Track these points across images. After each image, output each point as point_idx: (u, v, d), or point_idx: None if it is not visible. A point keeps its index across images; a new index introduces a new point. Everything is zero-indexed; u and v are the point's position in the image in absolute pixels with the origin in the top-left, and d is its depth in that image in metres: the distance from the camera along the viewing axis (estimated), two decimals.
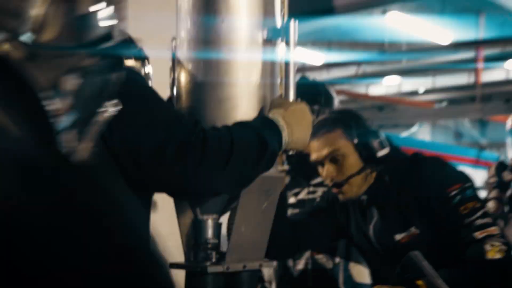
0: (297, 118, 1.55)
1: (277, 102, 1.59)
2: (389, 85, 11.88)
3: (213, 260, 1.64)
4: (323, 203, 2.50)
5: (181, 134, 1.34)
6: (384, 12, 7.94)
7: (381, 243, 2.22)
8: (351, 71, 11.73)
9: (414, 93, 11.04)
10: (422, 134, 11.38)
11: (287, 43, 1.62)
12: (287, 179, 2.81)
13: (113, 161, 1.30)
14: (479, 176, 8.22)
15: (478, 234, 2.03)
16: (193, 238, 1.68)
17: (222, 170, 1.38)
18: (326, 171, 2.22)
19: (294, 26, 1.62)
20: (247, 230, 1.64)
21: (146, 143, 1.30)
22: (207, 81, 1.57)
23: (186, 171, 1.34)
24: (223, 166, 1.38)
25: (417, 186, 2.17)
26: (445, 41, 8.24)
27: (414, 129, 9.40)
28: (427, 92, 10.41)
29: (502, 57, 8.56)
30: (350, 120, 2.27)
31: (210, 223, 1.65)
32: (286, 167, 1.68)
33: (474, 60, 7.58)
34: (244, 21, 1.58)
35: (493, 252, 2.00)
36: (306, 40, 10.09)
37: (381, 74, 11.38)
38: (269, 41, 1.62)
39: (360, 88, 12.31)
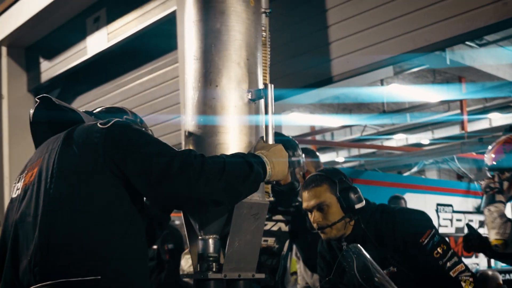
0: (276, 155, 1.97)
1: (260, 145, 2.02)
2: (399, 139, 12.92)
3: (214, 269, 2.07)
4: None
5: (183, 156, 1.74)
6: (382, 83, 8.72)
7: (365, 281, 2.60)
8: (359, 130, 12.93)
9: (419, 144, 12.11)
10: (430, 175, 12.91)
11: (266, 103, 2.08)
12: None
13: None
14: (470, 203, 9.92)
15: (452, 273, 2.50)
16: (199, 254, 2.11)
17: (217, 181, 1.75)
18: (313, 217, 2.70)
19: (271, 89, 2.08)
20: (240, 246, 2.05)
21: (156, 165, 1.70)
22: (206, 131, 2.04)
23: (189, 182, 1.70)
24: (218, 179, 1.75)
25: (394, 236, 2.61)
26: (436, 100, 9.13)
27: (414, 169, 10.43)
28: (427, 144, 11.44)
29: (484, 112, 9.77)
30: (335, 177, 2.74)
31: (211, 241, 2.08)
32: (271, 198, 2.12)
33: (461, 114, 8.45)
34: (234, 87, 2.06)
35: (467, 285, 2.48)
36: (324, 105, 10.98)
37: (392, 132, 12.44)
38: (253, 101, 2.10)
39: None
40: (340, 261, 2.14)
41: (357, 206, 2.65)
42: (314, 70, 5.01)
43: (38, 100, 1.96)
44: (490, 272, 5.80)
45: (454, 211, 9.78)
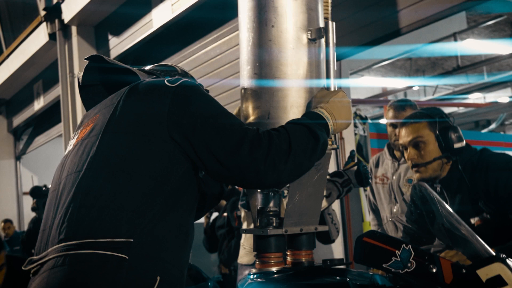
0: (337, 107, 1.82)
1: (320, 94, 1.87)
2: (475, 98, 12.57)
3: (274, 224, 1.96)
4: None
5: (252, 134, 1.61)
6: (455, 39, 8.30)
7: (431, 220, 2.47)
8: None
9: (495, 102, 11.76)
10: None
11: (327, 42, 1.90)
12: None
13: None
14: None
15: None
16: (259, 208, 1.99)
17: (284, 165, 1.63)
18: (408, 154, 2.58)
19: (332, 26, 1.90)
20: (301, 199, 1.92)
21: (227, 141, 1.57)
22: (264, 76, 1.89)
23: (256, 165, 1.58)
24: (285, 162, 1.62)
25: (487, 179, 2.43)
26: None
27: (492, 126, 9.94)
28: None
29: None
30: (435, 115, 2.60)
31: (271, 194, 1.96)
32: (334, 145, 1.96)
33: None
34: (291, 24, 1.89)
35: None
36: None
37: (467, 91, 12.02)
38: (313, 41, 1.92)
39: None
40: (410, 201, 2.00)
41: (456, 145, 2.49)
42: (381, 23, 4.78)
43: (87, 61, 1.85)
44: None
45: None
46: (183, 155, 1.58)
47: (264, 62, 1.89)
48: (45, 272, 1.46)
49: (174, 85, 1.62)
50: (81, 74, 1.90)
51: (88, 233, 1.45)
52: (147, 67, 2.05)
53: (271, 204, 1.96)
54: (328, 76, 1.92)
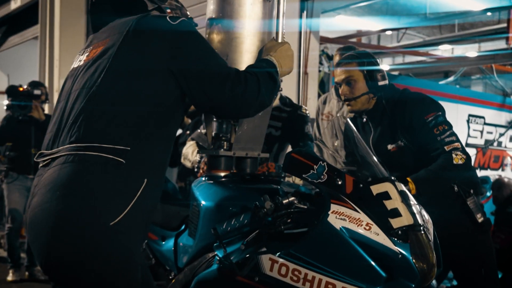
0: (283, 56, 2.24)
1: (270, 44, 2.30)
2: (444, 50, 12.79)
3: (225, 147, 2.43)
4: None
5: (233, 73, 2.00)
6: None
7: (377, 151, 2.84)
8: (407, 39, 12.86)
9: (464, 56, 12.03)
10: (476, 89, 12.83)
11: (278, 2, 2.34)
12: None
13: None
14: (503, 116, 10.00)
15: (447, 148, 2.78)
16: (214, 134, 2.46)
17: (255, 100, 2.05)
18: (342, 90, 3.02)
19: None
20: (248, 129, 2.38)
21: (215, 77, 1.96)
22: (225, 26, 2.32)
23: (236, 99, 1.99)
24: (255, 98, 2.05)
25: (404, 112, 2.90)
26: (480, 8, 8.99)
27: (450, 79, 10.48)
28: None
29: None
30: (365, 58, 3.04)
31: (225, 124, 2.43)
32: (280, 87, 2.40)
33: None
34: None
35: (457, 159, 2.74)
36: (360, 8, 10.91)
37: (438, 42, 12.30)
38: (267, 0, 2.34)
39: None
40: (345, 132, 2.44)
41: (380, 83, 2.95)
42: None
43: None
44: (506, 179, 6.06)
45: (485, 123, 9.87)
46: (176, 85, 1.95)
47: (226, 14, 2.31)
48: (57, 165, 1.85)
49: (175, 23, 1.97)
50: None
51: (95, 138, 1.83)
52: None
53: (223, 130, 2.41)
54: (277, 29, 2.35)
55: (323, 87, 7.11)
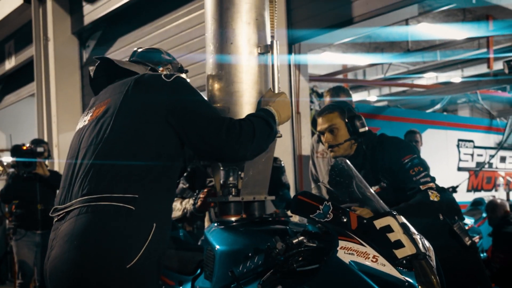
0: (281, 105, 2.43)
1: (268, 95, 2.49)
2: (429, 78, 13.11)
3: (233, 193, 2.60)
4: None
5: (228, 120, 2.20)
6: (407, 23, 8.92)
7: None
8: (391, 70, 13.20)
9: (449, 83, 12.32)
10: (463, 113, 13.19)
11: (273, 56, 2.53)
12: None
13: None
14: (492, 139, 10.41)
15: (422, 187, 3.01)
16: (221, 182, 2.63)
17: (251, 145, 2.24)
18: (325, 138, 3.26)
19: (276, 44, 2.53)
20: (253, 174, 2.55)
21: (211, 124, 2.15)
22: (225, 81, 2.52)
23: (232, 143, 2.17)
24: (251, 142, 2.23)
25: (383, 156, 3.15)
26: (462, 37, 9.29)
27: (437, 106, 10.78)
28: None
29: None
30: (345, 107, 3.29)
31: (231, 171, 2.59)
32: (279, 134, 2.57)
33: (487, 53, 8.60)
34: (245, 42, 2.51)
35: (433, 196, 2.97)
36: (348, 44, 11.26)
37: (422, 71, 12.66)
38: (262, 54, 2.54)
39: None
40: (331, 170, 2.63)
41: (361, 130, 3.20)
42: (335, 12, 5.38)
43: (98, 61, 2.42)
44: (498, 200, 6.24)
45: (475, 147, 10.11)
46: (175, 136, 2.15)
47: (225, 69, 2.52)
48: (72, 218, 2.01)
49: (170, 80, 2.18)
50: (93, 69, 2.46)
51: (105, 189, 2.00)
52: (139, 50, 2.63)
53: (231, 179, 2.59)
54: (273, 81, 2.54)
55: (315, 124, 7.31)
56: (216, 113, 2.26)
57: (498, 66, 10.07)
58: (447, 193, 3.13)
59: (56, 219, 2.12)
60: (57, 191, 2.24)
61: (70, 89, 8.75)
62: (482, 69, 10.98)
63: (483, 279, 3.29)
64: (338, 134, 3.22)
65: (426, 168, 3.10)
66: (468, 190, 9.79)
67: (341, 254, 2.00)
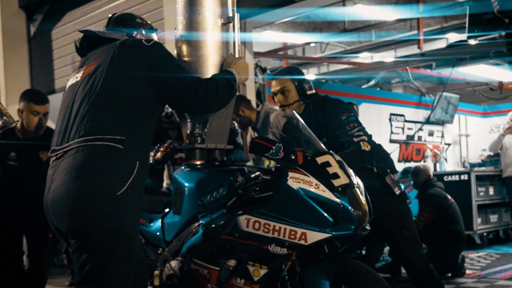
0: (241, 67, 2.89)
1: (229, 59, 2.95)
2: (364, 57, 13.70)
3: (198, 142, 3.05)
4: None
5: (196, 79, 2.65)
6: (344, 4, 9.48)
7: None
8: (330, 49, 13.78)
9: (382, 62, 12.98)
10: (396, 90, 14.09)
11: (234, 25, 3.02)
12: None
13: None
14: (421, 114, 11.09)
15: (355, 139, 3.51)
16: (189, 132, 3.08)
17: (215, 99, 2.69)
18: (278, 99, 3.73)
19: (237, 16, 3.02)
20: (216, 125, 3.04)
21: (182, 82, 2.59)
22: (192, 46, 2.96)
23: (199, 98, 2.63)
24: (215, 97, 2.68)
25: (324, 114, 3.64)
26: (393, 18, 9.94)
27: (371, 83, 11.46)
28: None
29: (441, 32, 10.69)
30: (295, 71, 3.78)
31: (197, 123, 3.05)
32: (238, 93, 3.06)
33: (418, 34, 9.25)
34: (210, 13, 2.97)
35: (364, 146, 3.47)
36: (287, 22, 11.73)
37: (358, 51, 13.28)
38: (224, 24, 3.01)
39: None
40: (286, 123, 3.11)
41: (309, 92, 3.69)
42: None
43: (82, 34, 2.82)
44: (422, 166, 6.90)
45: (405, 121, 10.88)
46: (154, 90, 2.56)
47: (193, 36, 2.98)
48: (70, 155, 2.42)
49: (149, 44, 2.60)
50: (78, 40, 2.85)
51: (99, 132, 2.41)
52: (113, 18, 3.01)
53: (197, 129, 3.06)
54: (234, 47, 3.02)
55: (259, 96, 7.84)
56: (186, 73, 2.69)
57: (428, 47, 10.85)
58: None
59: (54, 159, 2.52)
60: (53, 136, 2.63)
61: (18, 63, 8.87)
62: (413, 49, 11.69)
63: (409, 224, 3.83)
64: (289, 95, 3.69)
65: (360, 124, 3.58)
66: (399, 161, 10.55)
67: (291, 182, 2.50)
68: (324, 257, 2.57)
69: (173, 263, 2.86)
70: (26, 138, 4.33)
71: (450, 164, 12.03)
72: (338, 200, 2.49)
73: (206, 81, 2.68)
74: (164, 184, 4.42)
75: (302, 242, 2.46)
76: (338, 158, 2.65)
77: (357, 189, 2.57)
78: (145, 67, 2.54)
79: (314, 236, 2.45)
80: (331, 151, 2.68)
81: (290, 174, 2.52)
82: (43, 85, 8.53)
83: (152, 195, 3.38)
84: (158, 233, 3.11)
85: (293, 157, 2.58)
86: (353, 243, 2.66)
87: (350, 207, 2.49)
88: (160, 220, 3.14)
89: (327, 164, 2.58)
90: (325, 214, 2.46)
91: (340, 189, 2.52)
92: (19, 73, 8.89)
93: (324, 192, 2.49)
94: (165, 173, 4.32)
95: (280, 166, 2.62)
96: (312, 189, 2.49)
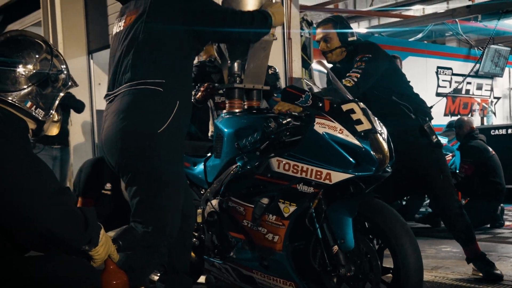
0: (276, 11, 3.06)
1: (267, 2, 3.14)
2: (416, 9, 13.42)
3: (237, 81, 3.28)
4: None
5: (230, 9, 2.91)
6: None
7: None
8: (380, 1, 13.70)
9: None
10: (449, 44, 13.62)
11: None
12: None
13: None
14: (469, 67, 10.79)
15: (348, 74, 3.69)
16: (228, 72, 3.32)
17: (251, 25, 2.92)
18: (321, 46, 3.98)
19: None
20: (254, 67, 3.26)
21: (218, 14, 2.84)
22: None
23: (236, 26, 2.85)
24: (251, 23, 2.91)
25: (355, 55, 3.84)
26: None
27: (419, 35, 11.29)
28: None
29: None
30: (338, 20, 4.01)
31: (236, 64, 3.28)
32: (275, 37, 3.27)
33: None
34: None
35: (346, 82, 3.60)
36: None
37: (410, 3, 13.12)
38: None
39: None
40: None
41: (350, 39, 3.93)
42: None
43: None
44: (465, 118, 6.97)
45: (453, 74, 10.79)
46: (190, 35, 2.78)
47: None
48: (118, 99, 2.73)
49: None
50: None
51: (142, 77, 2.70)
52: None
53: (236, 69, 3.29)
54: None
55: (305, 50, 8.00)
56: (221, 6, 2.92)
57: None
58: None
59: (107, 102, 2.84)
60: (108, 81, 2.92)
61: (75, 17, 9.24)
62: (465, 2, 11.47)
63: (445, 170, 4.02)
64: (331, 42, 3.94)
65: (368, 66, 3.71)
66: (446, 114, 10.54)
67: (317, 128, 2.74)
68: (349, 196, 2.83)
69: (214, 202, 3.17)
70: None
71: (499, 118, 11.90)
72: (360, 144, 2.71)
73: (240, 11, 2.94)
74: (210, 133, 4.72)
75: (327, 181, 2.71)
76: (362, 105, 2.86)
77: (378, 135, 2.78)
78: (180, 12, 2.76)
79: (337, 176, 2.70)
80: (356, 99, 2.89)
81: (317, 120, 2.76)
82: (98, 40, 8.88)
83: (196, 141, 3.69)
84: (201, 176, 3.41)
85: (320, 105, 2.82)
86: (376, 184, 2.90)
87: (371, 150, 2.72)
88: (202, 163, 3.44)
89: (352, 111, 2.80)
90: (348, 157, 2.70)
91: (362, 134, 2.74)
92: (76, 28, 9.27)
93: (347, 136, 2.72)
94: (210, 122, 4.60)
95: (309, 113, 2.86)
96: (337, 134, 2.72)
